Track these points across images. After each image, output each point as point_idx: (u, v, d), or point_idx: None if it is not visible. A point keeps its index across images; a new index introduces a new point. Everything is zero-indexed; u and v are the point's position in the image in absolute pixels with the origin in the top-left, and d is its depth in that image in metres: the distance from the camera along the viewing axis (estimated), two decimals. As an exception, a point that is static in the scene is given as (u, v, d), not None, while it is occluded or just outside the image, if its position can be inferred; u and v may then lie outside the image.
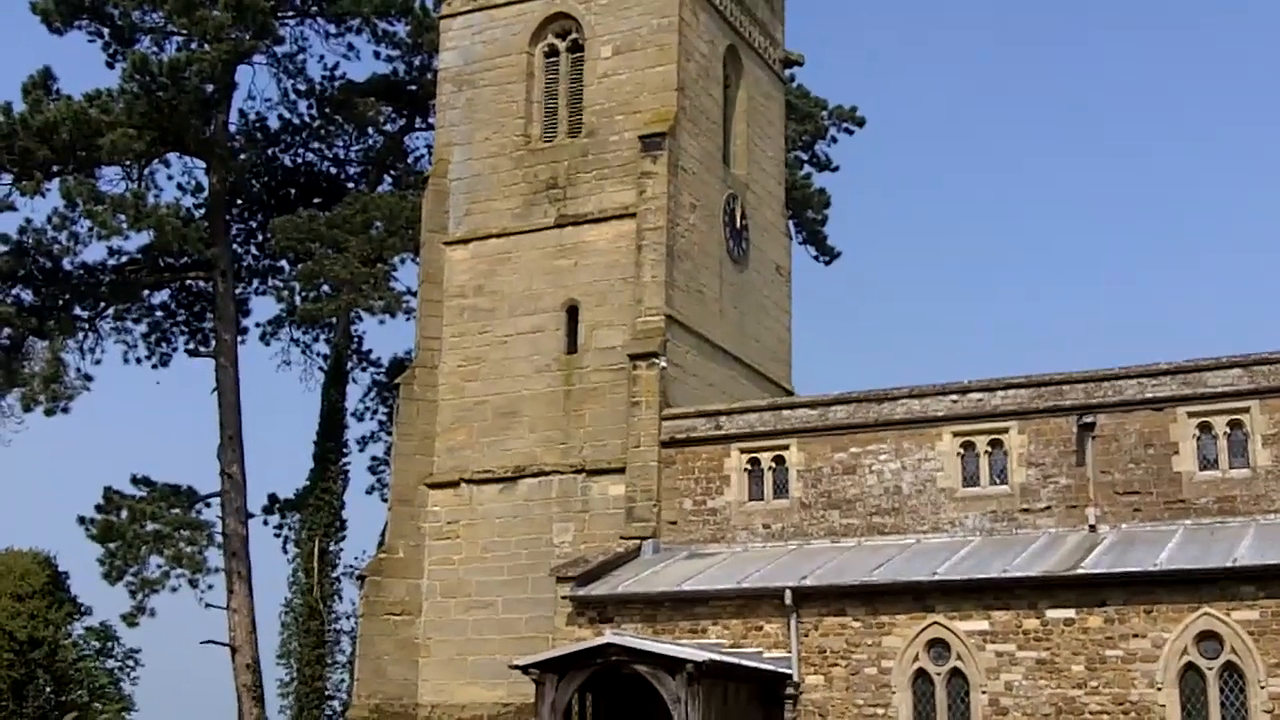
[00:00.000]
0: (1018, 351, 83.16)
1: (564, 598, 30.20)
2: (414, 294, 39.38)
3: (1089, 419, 29.03)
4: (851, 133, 53.51)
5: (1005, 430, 29.92)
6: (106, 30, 46.68)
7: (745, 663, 27.54)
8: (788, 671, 27.78)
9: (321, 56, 57.91)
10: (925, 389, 30.87)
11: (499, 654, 31.99)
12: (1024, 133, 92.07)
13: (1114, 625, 25.74)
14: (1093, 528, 28.54)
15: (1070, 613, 26.08)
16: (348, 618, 45.95)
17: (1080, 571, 26.20)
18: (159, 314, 49.56)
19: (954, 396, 30.54)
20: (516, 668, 28.06)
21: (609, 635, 27.66)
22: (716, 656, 26.65)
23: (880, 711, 27.18)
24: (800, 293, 40.94)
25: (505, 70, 36.86)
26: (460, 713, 33.61)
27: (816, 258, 52.89)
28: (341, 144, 50.45)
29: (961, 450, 30.23)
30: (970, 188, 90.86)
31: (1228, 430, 28.26)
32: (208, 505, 46.76)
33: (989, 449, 30.02)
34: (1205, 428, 28.44)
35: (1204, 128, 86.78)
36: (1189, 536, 27.22)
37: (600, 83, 35.78)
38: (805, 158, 53.06)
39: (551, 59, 36.88)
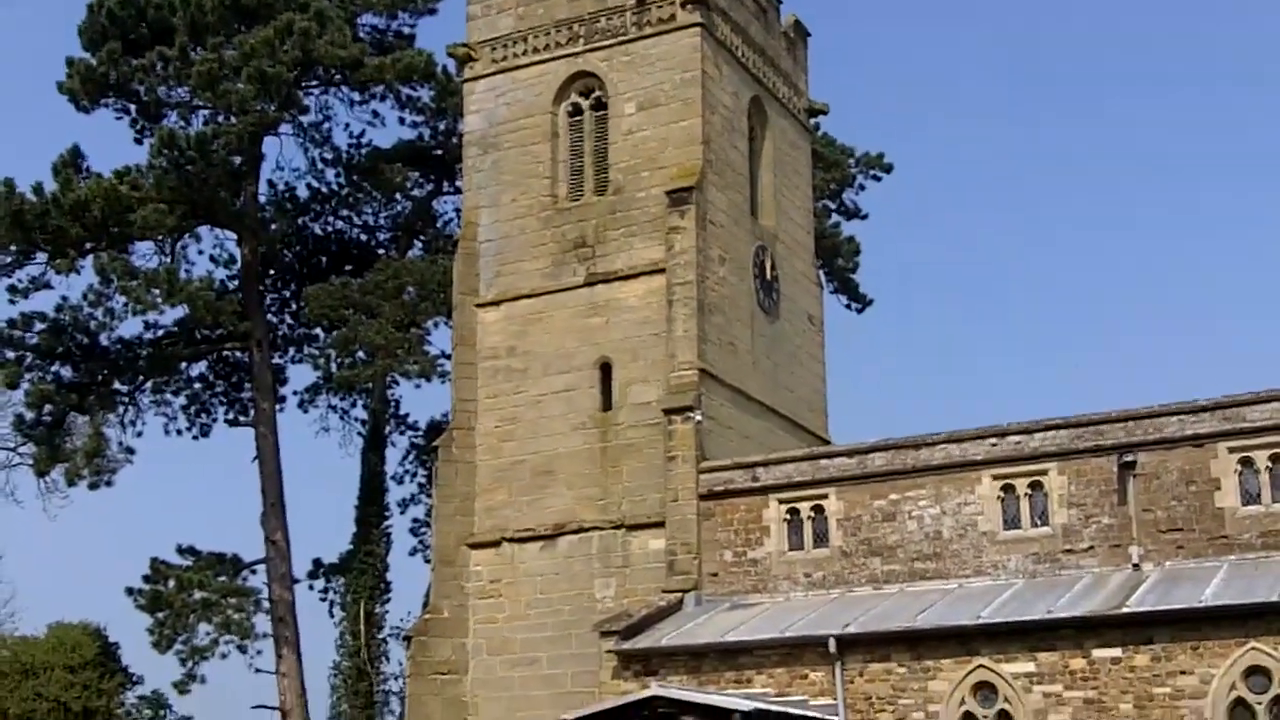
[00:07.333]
0: (1056, 392, 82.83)
1: (608, 652, 30.23)
2: (448, 357, 39.67)
3: (1130, 458, 28.90)
4: (879, 179, 53.72)
5: (1045, 472, 29.82)
6: (133, 107, 47.13)
7: (792, 711, 27.43)
8: (835, 719, 27.66)
9: (347, 125, 58.67)
10: (963, 433, 30.82)
11: (546, 710, 32.09)
12: (1054, 172, 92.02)
13: (1161, 663, 25.59)
14: (1136, 566, 28.39)
15: (1116, 652, 25.95)
16: (396, 679, 46.21)
17: (1125, 610, 26.10)
18: (197, 385, 50.01)
19: (992, 440, 30.46)
20: (564, 722, 28.06)
21: (655, 688, 27.73)
22: (763, 706, 26.69)
23: (930, 757, 27.07)
24: (834, 341, 41.18)
25: (530, 131, 37.06)
26: (509, 769, 33.61)
27: (848, 306, 53.17)
28: (370, 211, 50.76)
29: (1001, 493, 30.16)
30: (1001, 229, 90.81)
31: (1270, 464, 28.07)
32: (253, 572, 47.30)
33: (1029, 491, 29.92)
34: (1247, 463, 28.25)
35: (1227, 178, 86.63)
36: (1233, 572, 27.06)
37: (625, 140, 35.94)
38: (833, 206, 53.08)
39: (575, 118, 37.06)
